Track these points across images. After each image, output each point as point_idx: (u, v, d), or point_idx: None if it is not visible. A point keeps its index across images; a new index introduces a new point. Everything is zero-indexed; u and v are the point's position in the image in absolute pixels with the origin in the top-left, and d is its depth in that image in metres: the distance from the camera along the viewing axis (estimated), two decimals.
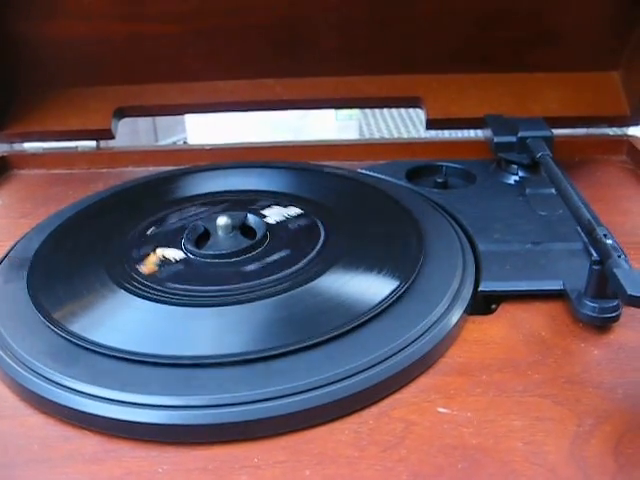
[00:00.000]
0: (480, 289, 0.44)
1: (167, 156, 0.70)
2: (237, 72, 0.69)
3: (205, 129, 1.47)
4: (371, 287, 0.43)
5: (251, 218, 0.51)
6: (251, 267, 0.45)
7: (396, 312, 0.41)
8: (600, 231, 0.43)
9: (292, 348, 0.38)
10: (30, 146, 0.71)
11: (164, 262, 0.46)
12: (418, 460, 0.33)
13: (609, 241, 0.41)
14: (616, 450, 0.33)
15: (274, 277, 0.44)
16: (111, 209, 0.57)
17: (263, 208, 0.53)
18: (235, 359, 0.37)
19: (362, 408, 0.36)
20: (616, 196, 0.60)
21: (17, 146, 0.72)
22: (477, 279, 0.45)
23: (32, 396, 0.37)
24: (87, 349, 0.39)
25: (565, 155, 0.62)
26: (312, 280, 0.43)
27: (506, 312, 0.44)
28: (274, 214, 0.52)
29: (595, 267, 0.41)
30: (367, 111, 1.97)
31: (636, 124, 0.69)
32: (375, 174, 0.61)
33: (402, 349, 0.38)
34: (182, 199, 0.57)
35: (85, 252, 0.49)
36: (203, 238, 0.49)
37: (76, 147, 0.71)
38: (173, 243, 0.48)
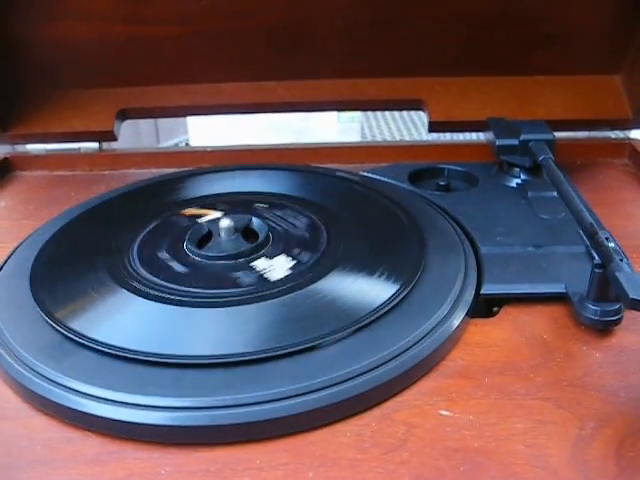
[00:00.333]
0: (482, 292, 0.45)
1: (169, 158, 0.70)
2: (239, 74, 0.69)
3: (207, 131, 1.47)
4: (373, 290, 0.43)
5: (254, 221, 0.51)
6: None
7: (398, 315, 0.41)
8: (602, 234, 0.43)
9: (294, 350, 0.38)
10: (33, 148, 0.71)
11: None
12: (420, 463, 0.33)
13: (611, 244, 0.41)
14: (617, 453, 0.33)
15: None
16: (113, 210, 0.57)
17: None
18: (237, 360, 0.37)
19: (364, 410, 0.36)
20: (618, 199, 0.60)
21: (20, 148, 0.72)
22: (479, 282, 0.45)
23: (35, 397, 0.37)
24: (89, 349, 0.39)
25: (567, 158, 0.62)
26: (314, 282, 0.43)
27: (508, 315, 0.44)
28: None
29: (597, 270, 0.41)
30: (369, 113, 1.97)
31: (638, 127, 0.69)
32: (377, 176, 0.62)
33: (404, 351, 0.38)
34: (184, 201, 0.57)
35: (88, 252, 0.49)
36: (205, 240, 0.50)
37: (79, 149, 0.71)
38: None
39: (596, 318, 0.41)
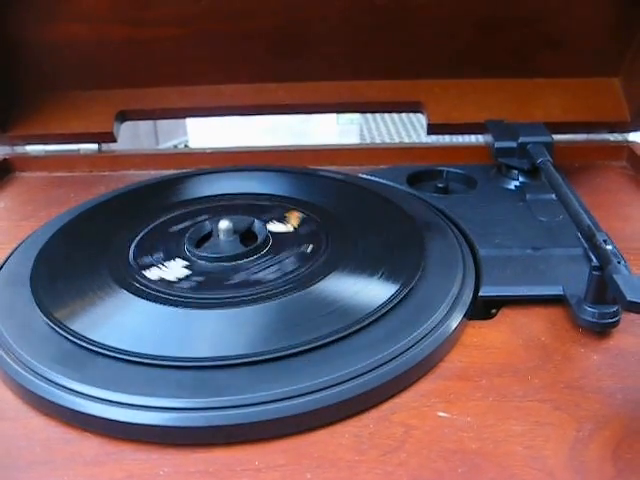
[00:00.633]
0: (480, 294, 0.45)
1: (168, 159, 0.70)
2: (239, 76, 0.70)
3: (206, 132, 1.47)
4: (372, 291, 0.43)
5: (252, 222, 0.51)
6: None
7: (396, 316, 0.41)
8: (600, 237, 0.43)
9: (293, 351, 0.38)
10: (32, 149, 0.71)
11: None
12: (418, 464, 0.33)
13: (609, 247, 0.42)
14: (615, 455, 0.33)
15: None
16: (114, 211, 0.57)
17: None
18: (236, 362, 0.37)
19: (362, 412, 0.36)
20: (616, 202, 0.60)
21: (19, 149, 0.72)
22: (477, 284, 0.45)
23: (33, 398, 0.37)
24: (89, 350, 0.39)
25: (565, 161, 0.63)
26: (313, 284, 0.43)
27: (506, 317, 0.44)
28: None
29: (595, 273, 0.41)
30: (368, 115, 1.98)
31: (636, 130, 0.69)
32: (376, 179, 0.62)
33: (402, 353, 0.38)
34: (184, 202, 0.57)
35: (88, 253, 0.49)
36: (204, 240, 0.50)
37: (78, 150, 0.71)
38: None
39: (594, 320, 0.41)
